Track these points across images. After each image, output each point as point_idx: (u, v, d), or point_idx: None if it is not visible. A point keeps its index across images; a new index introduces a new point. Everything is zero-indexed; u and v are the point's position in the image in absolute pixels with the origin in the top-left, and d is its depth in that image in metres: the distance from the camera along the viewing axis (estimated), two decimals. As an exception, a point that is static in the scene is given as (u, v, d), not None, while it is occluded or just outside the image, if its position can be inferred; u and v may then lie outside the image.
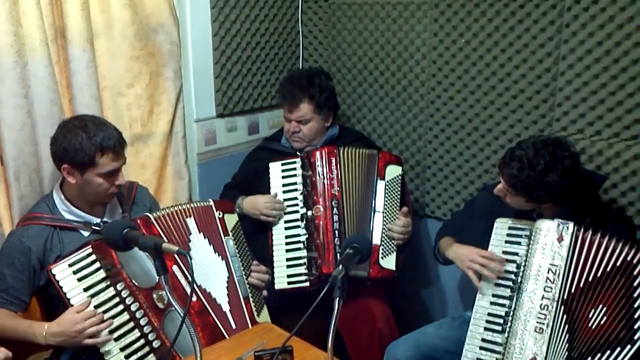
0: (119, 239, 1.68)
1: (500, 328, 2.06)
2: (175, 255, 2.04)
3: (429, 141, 2.85)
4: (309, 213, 2.56)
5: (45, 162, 2.26)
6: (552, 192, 2.02)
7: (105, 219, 2.15)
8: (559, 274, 2.00)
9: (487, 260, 2.11)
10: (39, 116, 2.23)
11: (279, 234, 2.59)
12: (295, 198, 2.60)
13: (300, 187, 2.60)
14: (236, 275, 2.21)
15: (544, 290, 2.01)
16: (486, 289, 2.12)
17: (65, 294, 1.91)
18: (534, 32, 2.41)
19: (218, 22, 2.80)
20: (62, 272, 1.91)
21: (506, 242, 2.13)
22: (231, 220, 2.31)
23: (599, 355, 1.91)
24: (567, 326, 1.96)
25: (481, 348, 2.07)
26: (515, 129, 2.56)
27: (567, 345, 1.95)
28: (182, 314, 1.53)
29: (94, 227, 2.10)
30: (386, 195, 2.58)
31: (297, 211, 2.59)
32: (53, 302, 2.06)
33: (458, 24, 2.62)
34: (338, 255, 2.49)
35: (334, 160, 2.58)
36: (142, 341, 1.94)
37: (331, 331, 1.57)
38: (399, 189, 2.61)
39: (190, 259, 1.65)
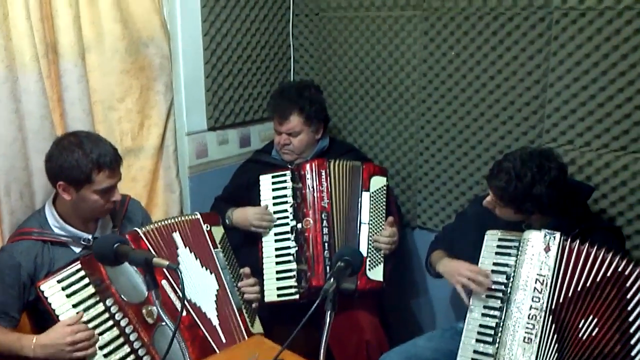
0: (110, 253, 1.68)
1: (491, 339, 2.06)
2: (165, 270, 2.04)
3: (420, 153, 2.86)
4: (299, 225, 2.56)
5: (36, 177, 2.25)
6: (540, 203, 2.03)
7: (96, 235, 2.14)
8: (547, 283, 2.00)
9: (475, 275, 2.11)
10: (30, 131, 2.22)
11: (268, 246, 2.59)
12: (285, 210, 2.60)
13: (290, 199, 2.60)
14: (228, 287, 2.20)
15: (532, 300, 2.01)
16: (477, 301, 2.12)
17: (54, 310, 1.90)
18: (523, 45, 2.43)
19: (209, 35, 2.81)
20: (51, 289, 1.91)
21: (496, 253, 2.13)
22: (218, 232, 2.30)
23: (592, 367, 1.91)
24: (556, 336, 1.96)
25: (473, 360, 2.07)
26: (506, 141, 2.57)
27: (556, 355, 1.95)
28: (173, 329, 1.52)
29: (83, 242, 2.10)
30: (371, 206, 2.58)
31: (287, 223, 2.59)
32: (43, 318, 2.04)
33: (448, 37, 2.64)
34: (328, 267, 2.49)
35: (324, 173, 2.59)
36: (132, 357, 1.93)
37: (322, 345, 1.55)
38: (384, 199, 2.62)
39: (180, 273, 1.65)
